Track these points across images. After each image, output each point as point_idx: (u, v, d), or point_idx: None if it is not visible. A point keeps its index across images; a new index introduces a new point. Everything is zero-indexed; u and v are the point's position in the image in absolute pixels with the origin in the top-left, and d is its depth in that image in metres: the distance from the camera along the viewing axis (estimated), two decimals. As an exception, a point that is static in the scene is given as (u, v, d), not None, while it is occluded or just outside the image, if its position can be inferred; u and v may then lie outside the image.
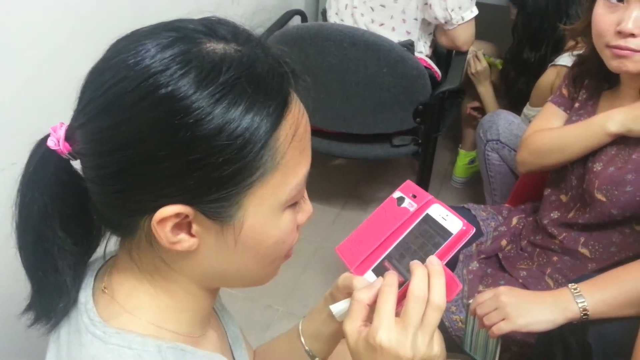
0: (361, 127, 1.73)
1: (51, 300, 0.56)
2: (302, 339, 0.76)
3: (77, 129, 0.49)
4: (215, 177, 0.47)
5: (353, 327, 0.58)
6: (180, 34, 0.48)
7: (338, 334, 0.75)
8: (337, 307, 0.67)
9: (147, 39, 0.48)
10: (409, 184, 0.72)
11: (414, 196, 0.70)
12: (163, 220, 0.48)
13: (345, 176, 2.25)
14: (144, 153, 0.46)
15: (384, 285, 0.58)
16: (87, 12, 1.09)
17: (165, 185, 0.47)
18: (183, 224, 0.50)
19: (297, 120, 0.51)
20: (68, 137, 0.50)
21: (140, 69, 0.46)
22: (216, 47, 0.48)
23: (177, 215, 0.48)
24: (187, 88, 0.45)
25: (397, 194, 0.72)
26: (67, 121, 0.52)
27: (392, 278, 0.59)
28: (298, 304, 1.70)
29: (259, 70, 0.48)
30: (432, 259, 0.60)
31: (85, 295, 0.56)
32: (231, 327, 0.73)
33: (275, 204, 0.52)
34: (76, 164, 0.53)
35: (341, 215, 2.07)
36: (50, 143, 0.50)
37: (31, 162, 0.52)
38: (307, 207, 0.59)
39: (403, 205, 0.70)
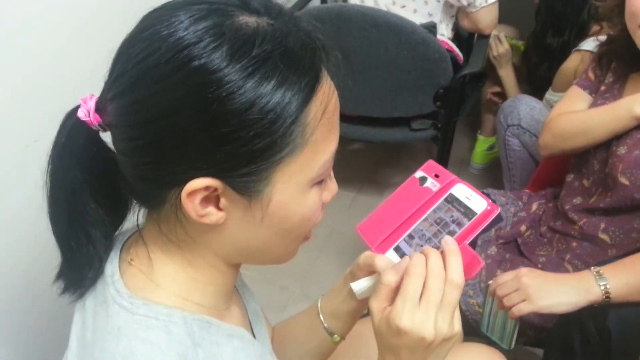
0: (380, 111, 1.72)
1: (81, 270, 0.57)
2: (321, 317, 0.76)
3: (109, 101, 0.49)
4: (246, 151, 0.47)
5: (379, 307, 0.58)
6: (214, 6, 0.48)
7: (357, 312, 0.76)
8: (358, 285, 0.67)
9: (180, 10, 0.48)
10: (431, 163, 0.72)
11: (437, 176, 0.69)
12: (192, 193, 0.48)
13: (362, 160, 2.25)
14: (176, 125, 0.46)
15: (411, 267, 0.58)
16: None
17: (195, 157, 0.47)
18: (211, 197, 0.50)
19: (327, 97, 0.51)
20: (98, 109, 0.50)
21: (173, 41, 0.46)
22: (249, 20, 0.48)
23: (207, 188, 0.48)
24: (220, 61, 0.45)
25: (419, 173, 0.72)
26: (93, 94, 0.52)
27: (419, 259, 0.58)
28: (314, 286, 1.71)
29: (291, 44, 0.48)
30: (447, 239, 0.60)
31: (111, 267, 0.57)
32: (252, 303, 0.73)
33: (303, 181, 0.52)
34: (105, 137, 0.53)
35: (357, 199, 2.07)
36: (81, 114, 0.50)
37: (62, 133, 0.53)
38: (333, 185, 0.59)
39: (425, 185, 0.69)
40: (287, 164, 0.49)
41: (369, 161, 2.25)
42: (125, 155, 0.51)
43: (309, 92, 0.48)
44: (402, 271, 0.58)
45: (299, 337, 0.80)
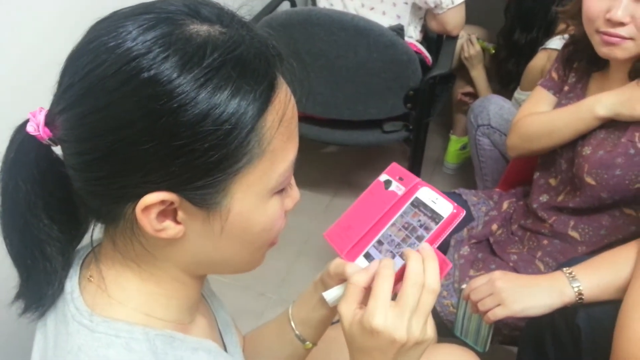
0: (352, 113, 1.72)
1: (40, 288, 0.55)
2: (292, 324, 0.76)
3: (58, 115, 0.48)
4: (201, 164, 0.46)
5: (348, 310, 0.58)
6: (162, 15, 0.47)
7: (328, 319, 0.75)
8: (330, 295, 0.66)
9: (128, 20, 0.47)
10: (395, 166, 0.72)
11: (401, 179, 0.69)
12: (147, 208, 0.47)
13: (336, 163, 2.25)
14: (127, 139, 0.45)
15: (381, 268, 0.58)
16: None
17: (148, 171, 0.46)
18: (168, 211, 0.49)
19: (284, 105, 0.50)
20: (48, 123, 0.49)
21: (121, 52, 0.45)
22: (200, 29, 0.47)
23: (162, 202, 0.47)
24: (170, 72, 0.44)
25: (383, 177, 0.71)
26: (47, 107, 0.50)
27: (388, 262, 0.59)
28: (291, 291, 1.70)
29: (245, 53, 0.47)
30: (424, 245, 0.60)
31: (71, 284, 0.56)
32: (221, 313, 0.72)
33: (263, 191, 0.51)
34: (57, 150, 0.52)
35: (333, 202, 2.06)
36: (30, 129, 0.49)
37: (11, 149, 0.51)
38: (294, 193, 0.59)
39: (390, 188, 0.69)
40: (245, 174, 0.49)
41: (344, 165, 2.24)
42: (76, 170, 0.49)
43: (264, 101, 0.48)
44: (371, 272, 0.59)
45: (271, 345, 0.79)
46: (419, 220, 0.65)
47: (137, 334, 0.51)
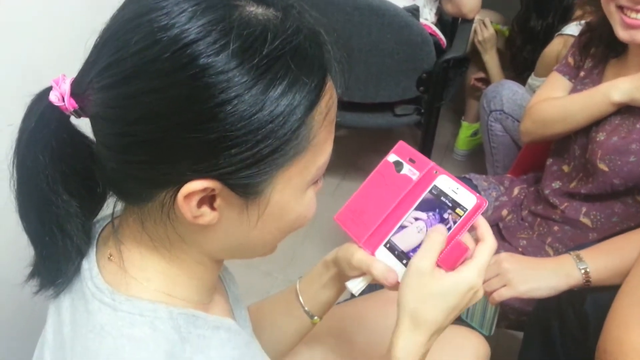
0: (363, 96, 1.70)
1: (59, 266, 0.53)
2: (301, 300, 0.76)
3: (96, 90, 0.45)
4: (250, 155, 0.45)
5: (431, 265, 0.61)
6: None
7: (337, 296, 0.77)
8: (357, 286, 0.68)
9: None
10: (403, 145, 0.69)
11: (412, 160, 0.67)
12: (190, 195, 0.46)
13: (346, 146, 2.24)
14: (177, 125, 0.43)
15: (490, 237, 0.63)
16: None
17: (196, 160, 0.44)
18: (206, 198, 0.47)
19: (331, 98, 0.49)
20: (75, 93, 0.46)
21: (175, 35, 0.42)
22: (257, 11, 0.44)
23: (204, 189, 0.46)
24: (228, 60, 0.42)
25: (392, 157, 0.69)
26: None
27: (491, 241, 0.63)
28: (297, 272, 1.71)
29: (302, 42, 0.45)
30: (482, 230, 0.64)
31: (88, 261, 0.54)
32: (232, 287, 0.72)
33: (302, 182, 0.51)
34: (75, 120, 0.50)
35: (341, 185, 2.06)
36: (53, 98, 0.46)
37: (30, 119, 0.48)
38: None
39: (403, 172, 0.67)
40: (289, 166, 0.48)
41: (353, 147, 2.24)
42: (113, 150, 0.47)
43: (317, 94, 0.46)
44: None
45: (276, 320, 0.79)
46: (440, 212, 0.63)
47: (161, 313, 0.50)
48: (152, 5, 0.44)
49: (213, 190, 0.46)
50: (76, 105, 0.47)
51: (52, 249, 0.53)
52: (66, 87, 0.46)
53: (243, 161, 0.45)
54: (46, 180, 0.49)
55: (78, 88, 0.46)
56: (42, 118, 0.48)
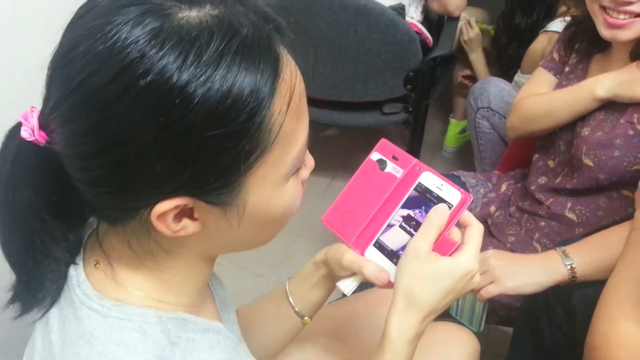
0: (351, 95, 1.71)
1: (43, 287, 0.53)
2: (291, 300, 0.76)
3: (58, 126, 0.45)
4: (213, 167, 0.44)
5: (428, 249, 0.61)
6: (147, 5, 0.42)
7: (327, 296, 0.77)
8: (348, 287, 0.68)
9: (110, 16, 0.42)
10: (385, 142, 0.69)
11: (395, 158, 0.67)
12: (163, 214, 0.46)
13: (335, 146, 2.24)
14: (133, 152, 0.42)
15: (476, 226, 0.64)
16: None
17: (160, 182, 0.44)
18: (185, 211, 0.47)
19: (291, 85, 0.46)
20: (42, 126, 0.45)
21: (113, 57, 0.41)
22: (189, 15, 0.43)
23: (177, 207, 0.46)
24: (170, 74, 0.40)
25: (375, 155, 0.69)
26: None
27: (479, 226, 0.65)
28: (289, 273, 1.69)
29: (243, 36, 0.43)
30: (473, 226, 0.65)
31: (75, 267, 0.54)
32: (219, 290, 0.72)
33: (278, 178, 0.50)
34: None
35: (332, 185, 2.07)
36: (25, 134, 0.45)
37: (6, 158, 0.48)
38: (309, 161, 0.57)
39: (387, 170, 0.67)
40: (258, 167, 0.46)
41: (343, 147, 2.24)
42: (82, 183, 0.46)
43: (270, 90, 0.44)
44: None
45: (266, 321, 0.79)
46: (427, 208, 0.63)
47: (150, 317, 0.50)
48: (86, 32, 0.43)
49: (186, 205, 0.46)
50: (47, 137, 0.46)
51: (35, 273, 0.52)
52: (34, 121, 0.45)
53: (206, 174, 0.44)
54: (32, 212, 0.49)
55: (45, 120, 0.45)
56: (19, 156, 0.47)
